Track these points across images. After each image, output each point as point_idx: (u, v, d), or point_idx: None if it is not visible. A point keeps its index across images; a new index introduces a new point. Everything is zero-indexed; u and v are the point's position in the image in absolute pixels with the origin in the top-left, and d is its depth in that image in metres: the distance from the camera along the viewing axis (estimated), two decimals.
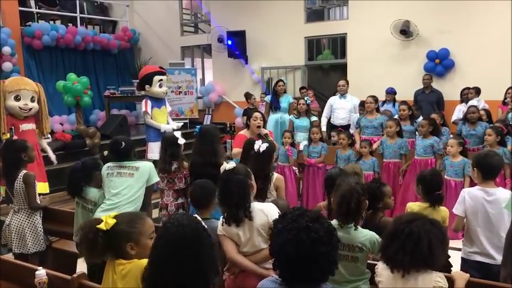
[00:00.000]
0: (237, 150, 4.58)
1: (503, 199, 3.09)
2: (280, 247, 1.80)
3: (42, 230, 4.00)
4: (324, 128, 7.47)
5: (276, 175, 3.89)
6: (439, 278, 2.14)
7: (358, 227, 2.61)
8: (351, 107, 7.66)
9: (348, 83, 7.82)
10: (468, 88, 7.83)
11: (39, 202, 4.04)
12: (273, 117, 7.91)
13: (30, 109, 5.31)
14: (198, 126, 4.38)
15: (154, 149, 6.63)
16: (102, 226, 2.23)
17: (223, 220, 2.75)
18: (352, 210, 2.58)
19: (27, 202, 3.93)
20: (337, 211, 2.63)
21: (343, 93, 7.68)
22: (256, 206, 2.74)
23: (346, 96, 7.72)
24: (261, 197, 3.68)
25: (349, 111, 7.66)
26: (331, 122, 7.85)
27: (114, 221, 2.25)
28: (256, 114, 5.07)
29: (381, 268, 2.30)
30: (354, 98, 7.75)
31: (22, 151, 3.99)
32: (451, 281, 2.35)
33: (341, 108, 7.68)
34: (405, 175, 5.93)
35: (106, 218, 2.27)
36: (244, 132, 5.02)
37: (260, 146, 3.72)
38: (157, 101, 6.82)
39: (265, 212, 2.69)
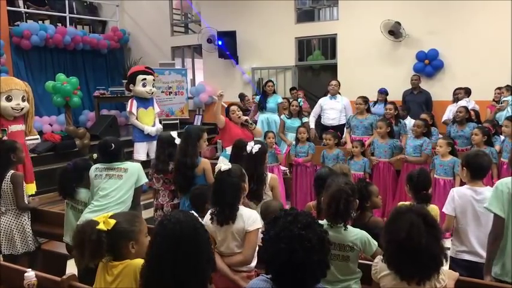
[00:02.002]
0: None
1: None
2: (272, 255, 1.78)
3: (31, 231, 3.97)
4: (312, 125, 7.49)
5: (270, 175, 3.90)
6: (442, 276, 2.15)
7: (348, 226, 2.62)
8: (341, 108, 7.68)
9: (339, 83, 7.85)
10: (460, 88, 7.91)
11: (27, 203, 4.01)
12: (260, 117, 7.93)
13: (22, 109, 5.26)
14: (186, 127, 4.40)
15: (139, 150, 6.61)
16: (102, 226, 2.23)
17: (210, 216, 2.79)
18: (341, 211, 2.57)
19: (15, 203, 3.89)
20: (326, 211, 2.64)
21: (333, 93, 7.70)
22: (240, 210, 2.76)
23: (336, 96, 7.73)
24: (256, 198, 3.70)
25: (339, 111, 7.67)
26: (322, 123, 7.87)
27: (114, 220, 2.26)
28: (232, 107, 5.32)
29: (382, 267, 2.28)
30: (344, 99, 7.77)
31: (11, 151, 3.93)
32: None
33: (331, 109, 7.70)
34: (399, 177, 5.98)
35: (104, 219, 2.26)
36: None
37: (252, 147, 3.73)
38: (144, 102, 6.75)
39: (244, 217, 2.72)
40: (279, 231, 1.78)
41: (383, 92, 8.29)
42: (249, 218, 2.72)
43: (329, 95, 7.76)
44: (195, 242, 1.96)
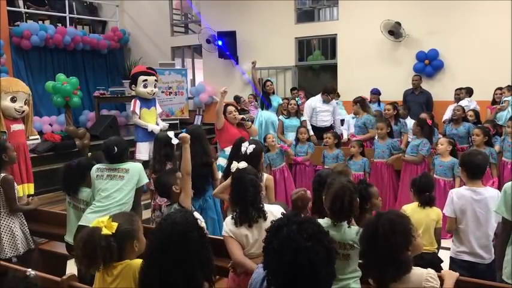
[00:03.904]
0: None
1: (490, 198, 3.12)
2: (275, 267, 1.65)
3: (22, 234, 3.87)
4: (311, 132, 7.42)
5: (265, 175, 3.89)
6: (429, 277, 2.07)
7: (351, 225, 2.62)
8: (332, 109, 7.73)
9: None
10: (460, 88, 7.91)
11: (25, 203, 3.97)
12: (259, 117, 7.87)
13: (23, 111, 5.30)
14: (184, 129, 4.37)
15: (142, 150, 6.62)
16: (107, 231, 2.23)
17: (233, 220, 2.72)
18: (346, 208, 2.56)
19: (5, 205, 3.79)
20: (330, 209, 2.62)
21: (328, 102, 7.70)
22: (266, 207, 2.76)
23: None
24: None
25: (331, 113, 7.72)
26: (314, 125, 7.80)
27: (116, 223, 2.27)
28: (230, 108, 5.30)
29: None
30: (333, 101, 7.81)
31: (2, 152, 3.85)
32: (440, 280, 2.38)
33: (325, 111, 7.69)
34: (400, 177, 5.99)
35: (104, 222, 2.27)
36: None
37: (247, 148, 3.71)
38: (147, 102, 6.77)
39: (274, 213, 2.71)
40: (283, 242, 1.63)
41: (375, 93, 8.31)
42: (279, 212, 2.72)
43: (322, 100, 7.70)
44: (185, 245, 1.94)
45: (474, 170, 3.26)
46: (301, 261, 1.57)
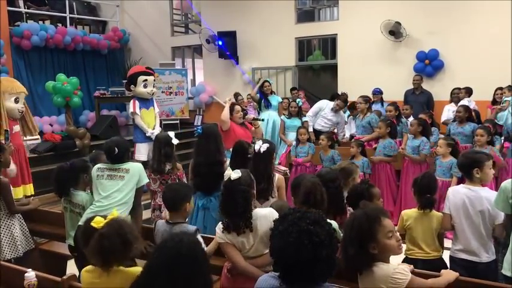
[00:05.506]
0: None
1: (485, 197, 3.11)
2: (281, 250, 1.79)
3: (21, 236, 3.86)
4: (311, 129, 7.42)
5: (277, 175, 3.88)
6: (397, 271, 2.06)
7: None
8: (336, 123, 7.73)
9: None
10: (459, 88, 7.90)
11: (27, 203, 3.97)
12: (262, 117, 7.89)
13: (23, 112, 5.34)
14: (200, 127, 4.38)
15: (141, 150, 6.63)
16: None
17: (223, 227, 2.72)
18: (318, 202, 2.89)
19: (4, 208, 3.78)
20: (304, 204, 2.88)
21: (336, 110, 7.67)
22: (259, 212, 2.73)
23: None
24: (265, 197, 3.68)
25: (332, 125, 7.70)
26: (313, 127, 7.79)
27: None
28: (237, 107, 5.34)
29: None
30: (341, 114, 7.80)
31: None
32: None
33: (328, 120, 7.64)
34: (401, 178, 5.99)
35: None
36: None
37: (261, 146, 3.70)
38: (145, 102, 6.78)
39: (269, 218, 2.68)
40: (288, 226, 1.78)
41: (377, 93, 8.30)
42: (273, 216, 2.66)
43: (332, 107, 7.63)
44: (193, 266, 1.93)
45: (463, 168, 3.35)
46: (303, 242, 1.72)
